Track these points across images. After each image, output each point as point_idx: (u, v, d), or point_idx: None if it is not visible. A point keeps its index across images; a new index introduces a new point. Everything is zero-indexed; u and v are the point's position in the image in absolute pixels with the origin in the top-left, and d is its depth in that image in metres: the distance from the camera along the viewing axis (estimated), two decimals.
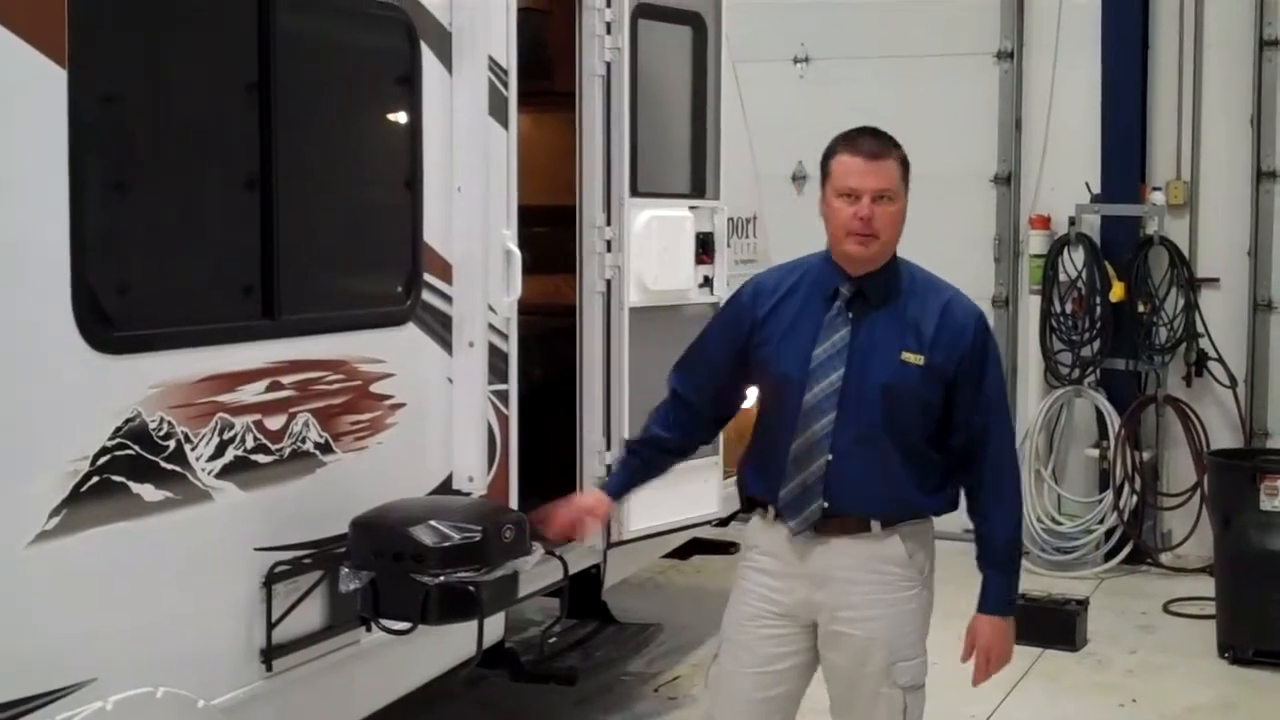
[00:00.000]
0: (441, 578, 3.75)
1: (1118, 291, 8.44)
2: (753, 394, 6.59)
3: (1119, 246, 8.57)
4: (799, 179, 9.50)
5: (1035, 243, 8.83)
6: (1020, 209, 9.04)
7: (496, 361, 5.00)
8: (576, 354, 5.73)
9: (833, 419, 3.70)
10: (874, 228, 3.63)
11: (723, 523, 7.36)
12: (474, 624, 4.28)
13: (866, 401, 3.69)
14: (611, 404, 5.69)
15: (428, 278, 4.67)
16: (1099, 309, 8.51)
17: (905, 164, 3.72)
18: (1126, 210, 8.57)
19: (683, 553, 7.22)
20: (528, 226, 5.46)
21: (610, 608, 6.24)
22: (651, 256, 5.71)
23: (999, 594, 3.80)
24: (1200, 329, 8.50)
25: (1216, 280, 8.57)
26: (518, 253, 5.03)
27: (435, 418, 4.71)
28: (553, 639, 5.51)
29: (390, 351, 4.50)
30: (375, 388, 4.44)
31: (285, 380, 4.07)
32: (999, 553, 3.79)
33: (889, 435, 3.70)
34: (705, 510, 6.08)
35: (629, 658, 6.57)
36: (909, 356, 3.67)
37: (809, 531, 3.76)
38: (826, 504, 3.72)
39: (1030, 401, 8.88)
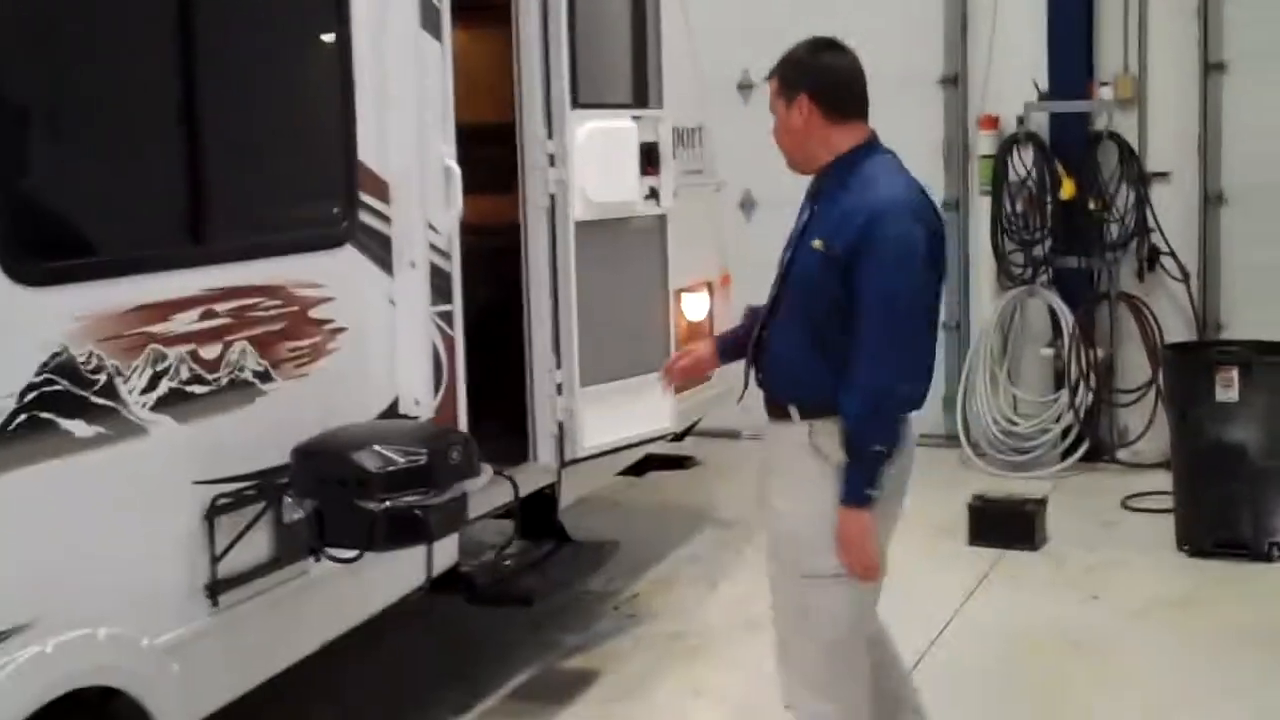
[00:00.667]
0: (387, 503, 3.66)
1: (1068, 189, 8.38)
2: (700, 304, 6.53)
3: (1068, 144, 8.50)
4: (745, 88, 9.34)
5: (984, 143, 8.75)
6: (968, 110, 8.93)
7: (439, 282, 4.89)
8: (522, 272, 5.63)
9: (768, 302, 3.94)
10: (777, 143, 3.89)
11: (678, 438, 7.33)
12: (423, 549, 4.23)
13: (789, 287, 3.87)
14: (560, 320, 5.59)
15: (364, 197, 4.54)
16: (1050, 208, 8.44)
17: (784, 79, 3.84)
18: (1075, 107, 8.49)
19: (638, 469, 7.16)
20: (470, 146, 5.34)
21: (567, 527, 6.17)
22: (595, 169, 5.58)
23: (847, 484, 3.68)
24: (1152, 224, 8.46)
25: (1167, 174, 8.52)
26: (457, 169, 4.91)
27: (378, 341, 4.60)
28: (508, 561, 5.44)
29: (328, 275, 4.38)
30: (314, 312, 4.32)
31: (219, 308, 3.94)
32: (848, 441, 3.68)
33: (802, 321, 3.80)
34: (659, 425, 6.01)
35: (587, 577, 6.54)
36: (815, 244, 3.76)
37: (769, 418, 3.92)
38: (759, 382, 3.95)
39: (984, 303, 8.85)
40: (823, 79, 3.80)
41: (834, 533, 3.68)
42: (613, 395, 5.75)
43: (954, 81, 8.97)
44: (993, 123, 8.74)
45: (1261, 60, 8.27)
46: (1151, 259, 8.47)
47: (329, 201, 4.46)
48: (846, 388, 3.66)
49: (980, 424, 8.69)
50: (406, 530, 3.70)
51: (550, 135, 5.53)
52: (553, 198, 5.55)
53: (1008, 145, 8.55)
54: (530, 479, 5.63)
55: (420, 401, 4.70)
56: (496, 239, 5.79)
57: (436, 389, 4.86)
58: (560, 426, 5.64)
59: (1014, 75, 8.66)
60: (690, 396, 6.92)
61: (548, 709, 5.42)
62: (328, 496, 3.78)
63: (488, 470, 4.18)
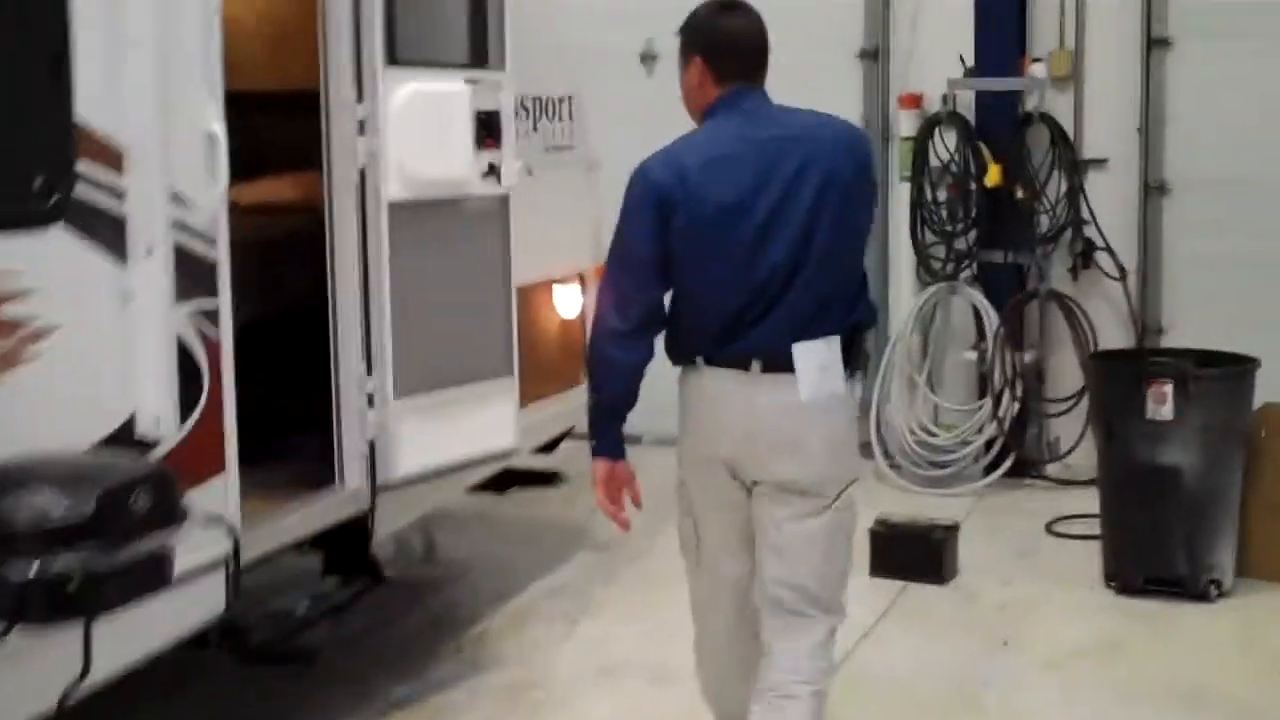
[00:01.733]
0: (37, 566, 2.77)
1: (994, 175, 7.56)
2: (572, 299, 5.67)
3: (995, 125, 7.69)
4: (649, 59, 8.50)
5: (906, 123, 7.93)
6: (889, 87, 8.11)
7: (198, 272, 3.99)
8: (327, 261, 4.75)
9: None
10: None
11: (547, 449, 6.49)
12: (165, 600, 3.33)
13: None
14: (371, 320, 4.72)
15: (85, 167, 3.63)
16: (974, 196, 7.63)
17: (682, 39, 3.84)
18: (1003, 85, 7.66)
19: (499, 485, 6.32)
20: (282, 114, 4.49)
21: (414, 548, 5.28)
22: (416, 140, 4.72)
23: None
24: (1086, 216, 7.66)
25: (1104, 161, 7.73)
26: (222, 135, 4.01)
27: (103, 346, 3.70)
28: (303, 606, 4.56)
29: (28, 261, 3.48)
30: (7, 310, 3.43)
31: None
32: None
33: None
34: (497, 443, 5.15)
35: (404, 621, 5.71)
36: None
37: None
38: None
39: (901, 300, 8.04)
40: (715, 40, 3.77)
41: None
42: (438, 408, 4.89)
43: (874, 55, 8.14)
44: (915, 101, 7.92)
45: (1209, 36, 7.48)
46: (1086, 254, 7.66)
47: (29, 171, 3.54)
48: None
49: (896, 434, 7.88)
50: (60, 602, 2.81)
51: (360, 98, 4.66)
52: (363, 173, 4.68)
53: (928, 126, 7.74)
54: (335, 508, 4.77)
55: (162, 420, 3.80)
56: (311, 221, 4.92)
57: (192, 404, 3.97)
58: (372, 445, 4.77)
59: (940, 49, 7.84)
60: (549, 405, 6.08)
61: None
62: None
63: (201, 514, 3.28)
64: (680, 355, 3.80)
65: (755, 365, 3.64)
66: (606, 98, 8.18)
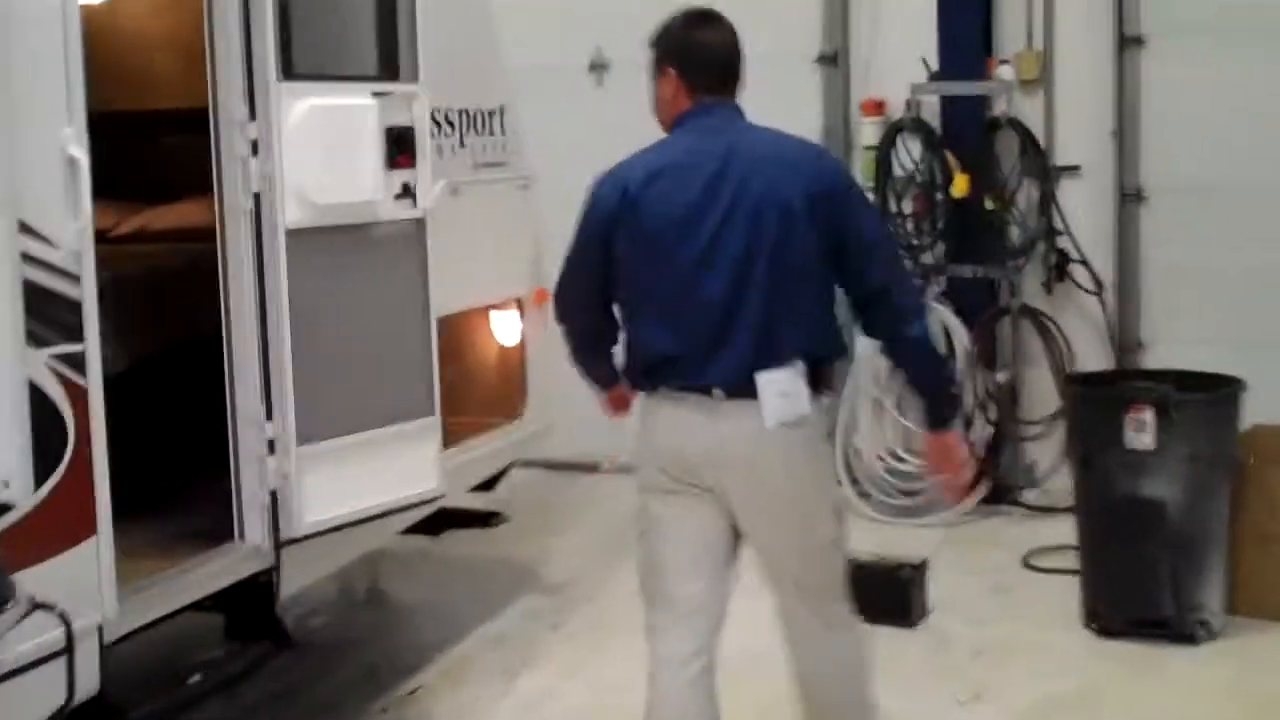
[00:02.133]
0: None
1: (961, 185, 7.15)
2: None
3: (962, 132, 7.27)
4: (598, 68, 8.10)
5: (868, 132, 7.50)
6: (851, 93, 7.69)
7: (58, 313, 3.56)
8: (221, 294, 4.31)
9: None
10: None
11: (486, 486, 6.05)
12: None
13: None
14: (270, 357, 4.27)
15: None
16: (941, 207, 7.22)
17: (656, 50, 3.79)
18: (968, 89, 7.26)
19: (432, 526, 5.86)
20: (193, 134, 4.27)
21: (351, 588, 4.81)
22: (316, 160, 4.28)
23: None
24: (1060, 226, 7.24)
25: (1077, 168, 7.31)
26: (83, 160, 3.58)
27: None
28: (195, 678, 4.12)
29: None
30: None
31: None
32: None
33: None
34: (418, 489, 4.70)
35: (336, 675, 5.27)
36: None
37: None
38: None
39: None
40: (688, 52, 3.74)
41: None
42: (348, 453, 4.45)
43: (833, 60, 7.72)
44: (877, 108, 7.50)
45: (1186, 34, 7.06)
46: (1060, 267, 7.25)
47: None
48: None
49: (863, 461, 7.45)
50: None
51: (253, 115, 4.22)
52: (257, 198, 4.24)
53: (890, 135, 7.32)
54: (232, 566, 4.32)
55: (11, 483, 3.36)
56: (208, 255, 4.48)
57: (54, 462, 3.53)
58: (273, 496, 4.33)
59: (902, 52, 7.42)
60: (487, 440, 5.65)
61: None
62: None
63: (21, 600, 2.84)
64: (640, 381, 3.77)
65: (718, 393, 3.58)
66: (555, 111, 7.89)
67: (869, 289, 3.67)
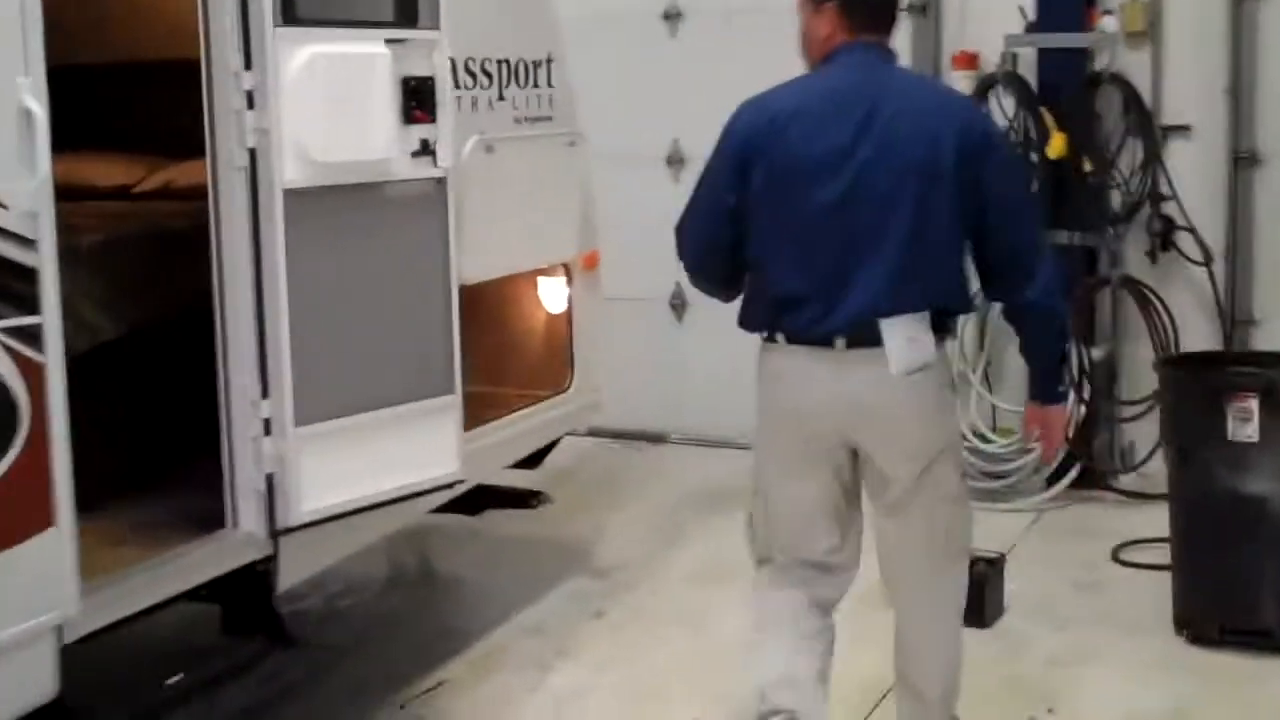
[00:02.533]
0: None
1: (1058, 145, 6.60)
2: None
3: (1060, 88, 6.72)
4: (672, 17, 7.72)
5: (961, 86, 6.89)
6: (942, 44, 7.15)
7: (10, 282, 3.22)
8: (212, 259, 3.95)
9: None
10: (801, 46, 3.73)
11: (531, 464, 5.69)
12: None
13: None
14: (267, 329, 3.91)
15: None
16: (1035, 168, 6.66)
17: None
18: (1068, 41, 6.70)
19: (471, 507, 5.51)
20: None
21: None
22: (320, 114, 3.90)
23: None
24: (1166, 191, 6.67)
25: (1186, 128, 6.72)
26: (40, 112, 3.23)
27: None
28: (172, 680, 3.79)
29: None
30: None
31: None
32: None
33: None
34: (435, 472, 4.32)
35: (360, 667, 4.93)
36: None
37: None
38: None
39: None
40: None
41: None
42: (354, 434, 4.08)
43: (923, 9, 7.16)
44: (970, 60, 6.95)
45: None
46: (1165, 235, 6.69)
47: None
48: None
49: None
50: None
51: (248, 64, 3.84)
52: (253, 154, 3.87)
53: (983, 90, 6.78)
54: (224, 555, 3.98)
55: None
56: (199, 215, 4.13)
57: (3, 446, 3.20)
58: (270, 480, 3.97)
59: (998, 1, 6.87)
60: (531, 414, 5.28)
61: None
62: None
63: None
64: (758, 327, 3.66)
65: (840, 343, 3.51)
66: (625, 62, 7.49)
67: (1004, 250, 3.60)
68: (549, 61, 5.30)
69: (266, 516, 3.98)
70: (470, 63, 4.84)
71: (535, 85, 5.22)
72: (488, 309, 5.30)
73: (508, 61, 5.04)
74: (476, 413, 4.93)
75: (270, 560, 4.05)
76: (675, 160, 7.60)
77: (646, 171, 7.50)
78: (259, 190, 3.86)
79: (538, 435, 5.45)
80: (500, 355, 5.50)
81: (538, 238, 5.21)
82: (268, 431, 3.94)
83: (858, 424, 3.58)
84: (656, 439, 7.89)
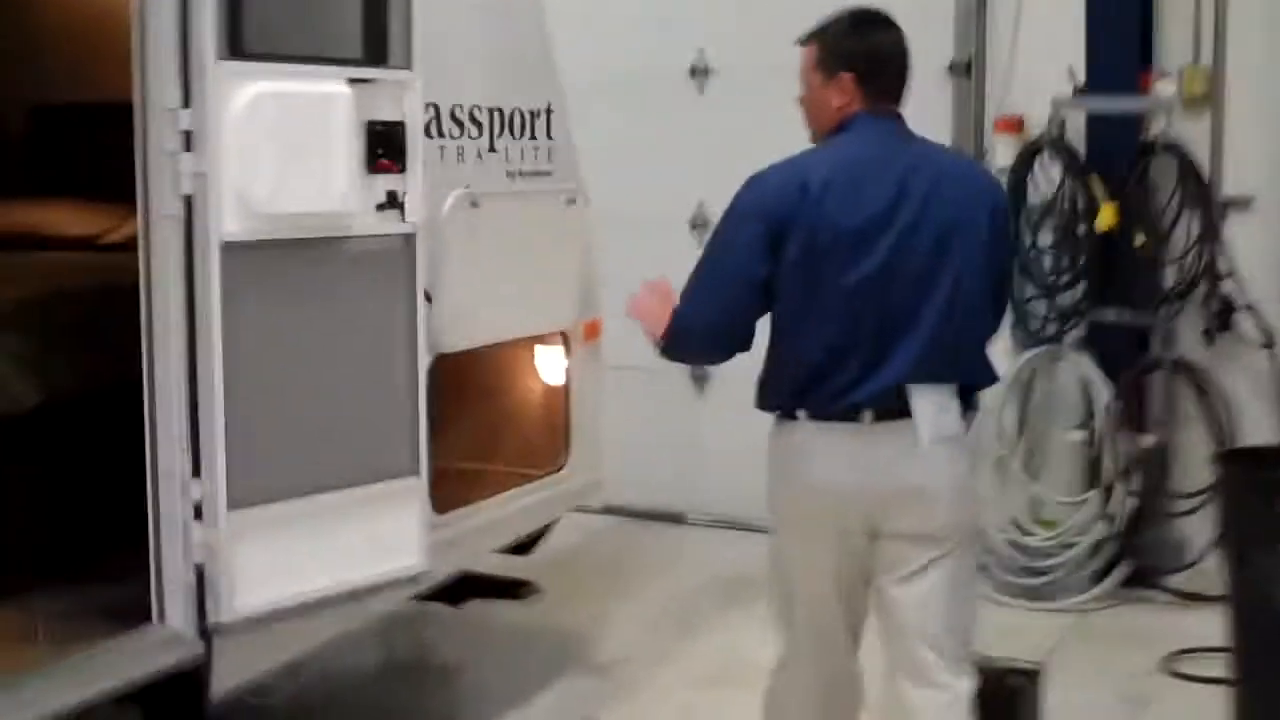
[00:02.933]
0: None
1: (1107, 217, 6.18)
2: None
3: (1110, 155, 6.29)
4: (700, 73, 7.39)
5: (1005, 152, 6.54)
6: (985, 107, 6.73)
7: None
8: (141, 320, 3.53)
9: None
10: (802, 112, 3.66)
11: (522, 550, 5.23)
12: None
13: None
14: (200, 399, 3.47)
15: None
16: (1083, 241, 6.26)
17: (826, 51, 3.56)
18: (1121, 105, 6.27)
19: (453, 594, 5.06)
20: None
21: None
22: (264, 158, 3.48)
23: None
24: (1224, 267, 6.20)
25: (1248, 201, 6.24)
26: None
27: None
28: None
29: None
30: None
31: None
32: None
33: None
34: (391, 564, 3.85)
35: None
36: None
37: None
38: None
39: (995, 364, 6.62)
40: (870, 58, 3.54)
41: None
42: (299, 520, 3.64)
43: (967, 69, 6.76)
44: (1015, 125, 6.54)
45: None
46: (1223, 315, 6.22)
47: None
48: None
49: (986, 531, 6.46)
50: None
51: (186, 101, 3.43)
52: (188, 202, 3.45)
53: (1027, 156, 6.39)
54: (147, 655, 3.52)
55: None
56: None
57: None
58: (199, 572, 3.52)
59: (1046, 62, 6.45)
60: (522, 495, 4.85)
61: None
62: None
63: None
64: (777, 404, 3.54)
65: (867, 416, 3.41)
66: (649, 121, 7.13)
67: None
68: (548, 112, 4.88)
69: (196, 612, 3.52)
70: (457, 110, 4.43)
71: (532, 136, 4.80)
72: (476, 379, 4.88)
73: (500, 110, 4.62)
74: (460, 492, 4.53)
75: (202, 662, 3.58)
76: (699, 223, 7.17)
77: (669, 235, 7.08)
78: (195, 243, 3.43)
79: (529, 518, 4.99)
80: (489, 429, 5.06)
81: (530, 304, 4.77)
82: (198, 516, 3.49)
83: (886, 498, 3.47)
84: (673, 519, 7.44)
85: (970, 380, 3.56)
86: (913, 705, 3.59)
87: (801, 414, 3.46)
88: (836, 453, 3.45)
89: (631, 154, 6.81)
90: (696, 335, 3.56)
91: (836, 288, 3.39)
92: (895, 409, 3.41)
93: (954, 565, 3.56)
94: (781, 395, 3.52)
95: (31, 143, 5.56)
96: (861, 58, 3.52)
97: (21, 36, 5.54)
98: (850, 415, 3.41)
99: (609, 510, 7.02)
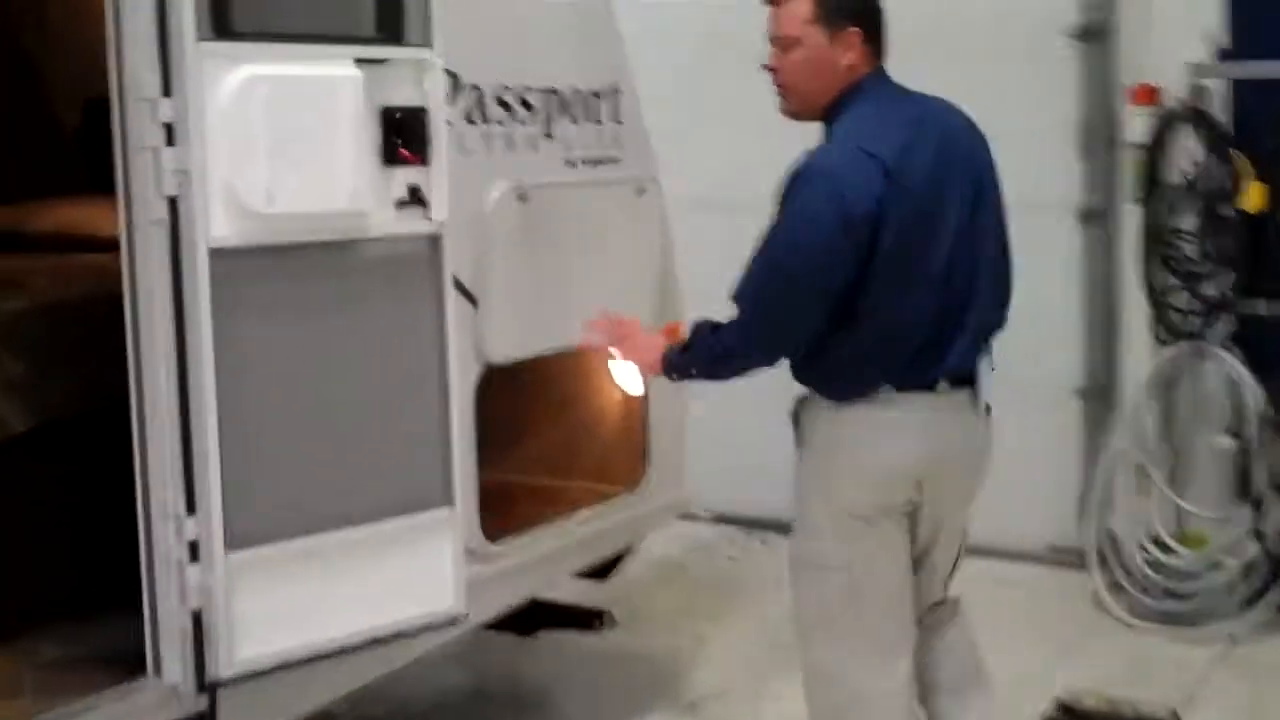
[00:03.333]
0: None
1: (1255, 197, 5.60)
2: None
3: (1258, 128, 5.71)
4: None
5: (1137, 126, 5.97)
6: (1116, 77, 6.16)
7: None
8: (128, 338, 3.14)
9: None
10: (780, 80, 3.40)
11: (601, 575, 4.81)
12: None
13: None
14: (193, 426, 3.07)
15: None
16: (1229, 224, 5.69)
17: (826, 4, 3.31)
18: (1269, 71, 5.67)
19: (525, 627, 4.64)
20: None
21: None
22: (259, 152, 3.07)
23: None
24: None
25: None
26: None
27: None
28: None
29: None
30: None
31: None
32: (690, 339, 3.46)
33: None
34: (420, 608, 3.42)
35: None
36: None
37: None
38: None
39: (1132, 364, 6.10)
40: (872, 12, 3.41)
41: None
42: (311, 560, 3.23)
43: (1094, 34, 6.19)
44: (1150, 95, 5.94)
45: None
46: None
47: None
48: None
49: (1123, 547, 5.88)
50: None
51: (167, 90, 3.03)
52: (173, 203, 3.05)
53: (1162, 130, 5.80)
54: (142, 711, 3.14)
55: None
56: None
57: None
58: (196, 619, 3.12)
59: (1185, 25, 5.88)
60: (582, 523, 4.43)
61: None
62: None
63: None
64: (858, 389, 3.36)
65: (943, 385, 3.36)
66: (744, 95, 6.64)
67: None
68: (615, 92, 4.42)
69: (194, 664, 3.13)
70: (504, 92, 4.00)
71: (596, 120, 4.35)
72: (543, 390, 4.46)
73: (556, 91, 4.18)
74: (521, 516, 4.14)
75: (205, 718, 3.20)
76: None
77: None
78: (181, 249, 3.04)
79: (602, 541, 4.55)
80: (559, 445, 4.65)
81: (601, 306, 4.32)
82: (194, 557, 3.10)
83: (949, 465, 3.43)
84: (787, 529, 6.92)
85: (993, 333, 3.50)
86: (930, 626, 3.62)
87: (885, 390, 3.32)
88: (911, 424, 3.36)
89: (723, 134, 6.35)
90: (761, 348, 3.36)
91: (925, 260, 3.28)
92: (963, 375, 3.37)
93: (963, 524, 3.65)
94: (862, 377, 3.33)
95: (83, 136, 5.27)
96: (865, 10, 3.39)
97: (75, 27, 5.27)
98: (931, 385, 3.34)
99: (719, 519, 6.65)
